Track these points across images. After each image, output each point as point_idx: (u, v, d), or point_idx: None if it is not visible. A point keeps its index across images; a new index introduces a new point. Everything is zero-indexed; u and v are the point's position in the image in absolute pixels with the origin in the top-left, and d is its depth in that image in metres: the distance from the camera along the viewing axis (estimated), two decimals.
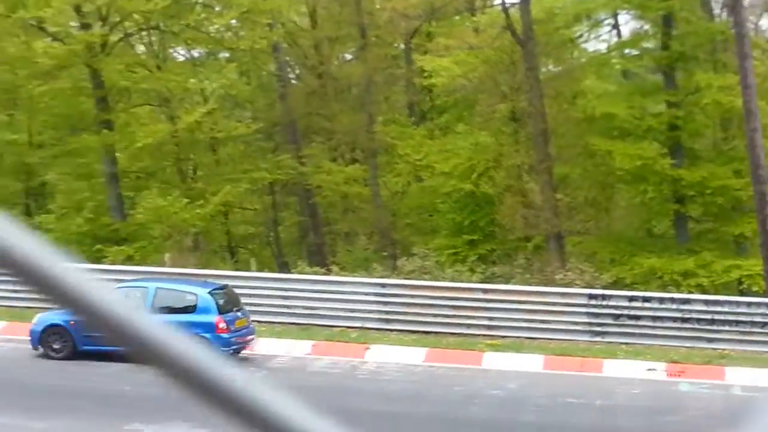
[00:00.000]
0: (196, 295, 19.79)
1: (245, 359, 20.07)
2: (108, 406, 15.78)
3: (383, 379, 19.08)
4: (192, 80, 31.02)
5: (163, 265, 24.72)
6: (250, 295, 22.40)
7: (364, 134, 31.99)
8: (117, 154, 29.61)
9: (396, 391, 17.95)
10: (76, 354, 19.42)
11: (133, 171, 30.92)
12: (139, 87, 30.94)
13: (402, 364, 20.12)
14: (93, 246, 27.08)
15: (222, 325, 19.21)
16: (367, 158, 32.77)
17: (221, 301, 19.89)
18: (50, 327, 19.73)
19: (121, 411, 15.39)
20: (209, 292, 19.98)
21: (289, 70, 36.00)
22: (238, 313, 20.14)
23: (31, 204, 33.82)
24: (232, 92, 32.27)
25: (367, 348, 21.15)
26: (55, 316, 19.27)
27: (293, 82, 35.82)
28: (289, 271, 27.72)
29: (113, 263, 24.64)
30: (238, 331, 19.79)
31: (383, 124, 32.59)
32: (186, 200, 28.25)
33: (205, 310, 19.28)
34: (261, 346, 20.63)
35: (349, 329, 22.26)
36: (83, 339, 18.81)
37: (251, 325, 20.47)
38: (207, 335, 18.38)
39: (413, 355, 20.78)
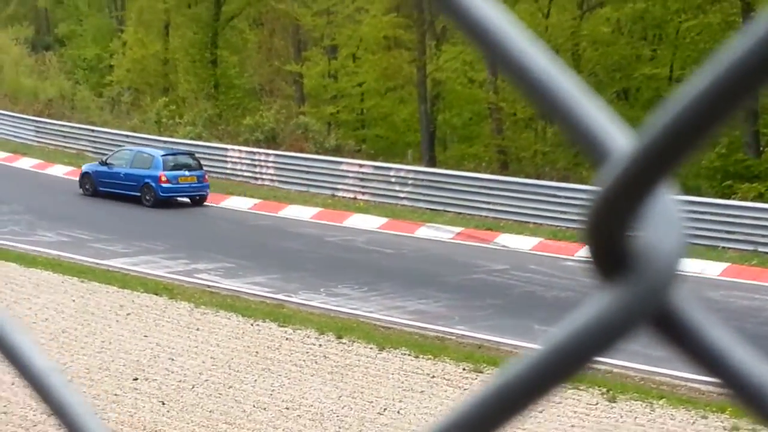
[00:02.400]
0: (153, 156, 28.23)
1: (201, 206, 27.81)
2: None
3: None
4: None
5: None
6: None
7: None
8: None
9: None
10: (96, 193, 28.36)
11: None
12: None
13: None
14: (723, 182, 27.60)
15: (164, 178, 27.19)
16: None
17: (172, 163, 27.86)
18: (84, 174, 29.31)
19: None
20: (162, 155, 28.27)
21: None
22: (186, 173, 27.74)
23: None
24: None
25: None
26: (87, 167, 29.61)
27: None
28: None
29: (743, 199, 25.22)
30: (181, 185, 27.58)
31: None
32: None
33: (156, 167, 27.51)
34: None
35: None
36: (101, 183, 28.41)
37: (203, 184, 28.02)
38: (153, 183, 27.21)
39: None
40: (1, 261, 19.01)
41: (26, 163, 34.20)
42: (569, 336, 0.49)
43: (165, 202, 27.23)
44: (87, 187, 28.91)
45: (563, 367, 0.49)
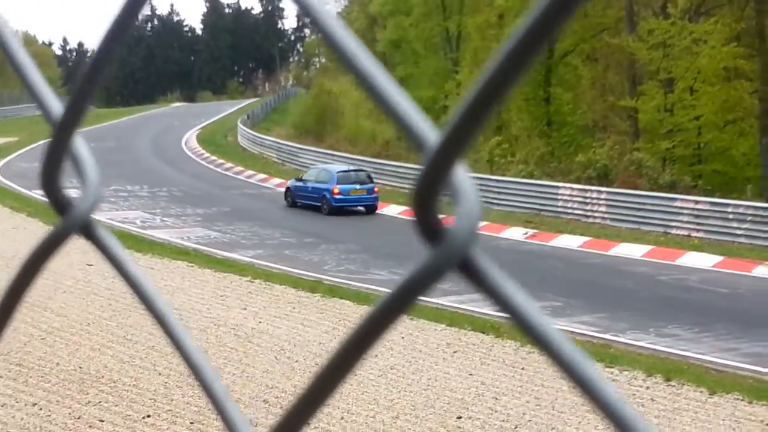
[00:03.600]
0: (330, 171, 34.30)
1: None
2: None
3: None
4: None
5: None
6: None
7: None
8: None
9: None
10: (294, 204, 34.43)
11: None
12: None
13: None
14: None
15: (336, 190, 32.86)
16: None
17: (345, 178, 33.46)
18: (287, 189, 35.75)
19: None
20: (337, 172, 34.11)
21: None
22: (357, 186, 33.28)
23: None
24: None
25: None
26: (290, 182, 35.89)
27: None
28: None
29: None
30: (351, 196, 33.05)
31: None
32: None
33: (332, 181, 33.25)
34: None
35: None
36: (297, 196, 34.48)
37: (372, 196, 33.31)
38: (328, 195, 32.83)
39: None
40: (335, 298, 19.81)
41: None
42: (404, 281, 0.61)
43: (338, 210, 32.70)
44: (288, 199, 35.15)
45: (401, 302, 0.62)
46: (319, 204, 33.11)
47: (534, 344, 0.61)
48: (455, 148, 0.61)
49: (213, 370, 0.86)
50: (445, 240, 0.62)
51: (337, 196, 32.84)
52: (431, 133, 0.63)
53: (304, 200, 33.97)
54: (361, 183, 33.66)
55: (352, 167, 36.32)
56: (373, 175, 40.51)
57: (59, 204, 0.86)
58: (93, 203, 0.86)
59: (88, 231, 0.87)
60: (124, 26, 0.76)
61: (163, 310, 0.87)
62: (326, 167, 36.11)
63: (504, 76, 0.57)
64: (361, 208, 33.35)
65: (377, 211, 33.22)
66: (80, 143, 0.86)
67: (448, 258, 0.62)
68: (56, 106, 0.87)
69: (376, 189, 33.74)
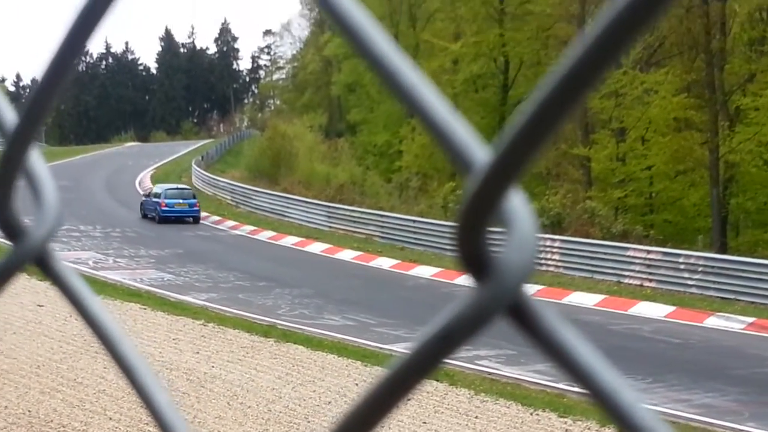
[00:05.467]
0: (162, 189, 42.49)
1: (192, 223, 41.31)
2: None
3: None
4: None
5: None
6: None
7: None
8: None
9: None
10: (145, 216, 42.39)
11: None
12: None
13: None
14: None
15: (163, 204, 40.85)
16: None
17: (171, 194, 41.71)
18: (141, 203, 43.67)
19: None
20: (165, 189, 42.33)
21: None
22: (181, 200, 41.46)
23: None
24: None
25: None
26: (143, 198, 44.19)
27: None
28: None
29: None
30: (175, 209, 41.01)
31: None
32: None
33: (160, 197, 41.39)
34: None
35: None
36: (145, 209, 42.51)
37: (194, 209, 41.68)
38: (157, 207, 40.88)
39: None
40: (289, 343, 19.68)
41: (317, 247, 35.45)
42: (440, 327, 0.54)
43: (166, 219, 40.56)
44: (142, 212, 42.98)
45: (436, 353, 0.55)
46: (154, 215, 41.25)
47: (599, 406, 0.52)
48: (511, 169, 0.53)
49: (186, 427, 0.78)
50: (494, 276, 0.54)
51: (164, 209, 41.00)
52: (480, 151, 0.56)
53: (148, 212, 42.14)
54: (184, 198, 42.01)
55: (181, 186, 45.37)
56: (327, 219, 40.58)
57: (11, 230, 0.77)
58: (50, 230, 0.76)
59: (43, 262, 0.77)
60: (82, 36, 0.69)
61: (127, 353, 0.77)
62: (161, 185, 44.72)
63: (577, 80, 0.49)
64: (189, 219, 41.35)
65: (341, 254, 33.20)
66: (37, 159, 0.76)
67: (497, 298, 0.54)
68: (10, 115, 0.76)
69: (197, 204, 42.13)
